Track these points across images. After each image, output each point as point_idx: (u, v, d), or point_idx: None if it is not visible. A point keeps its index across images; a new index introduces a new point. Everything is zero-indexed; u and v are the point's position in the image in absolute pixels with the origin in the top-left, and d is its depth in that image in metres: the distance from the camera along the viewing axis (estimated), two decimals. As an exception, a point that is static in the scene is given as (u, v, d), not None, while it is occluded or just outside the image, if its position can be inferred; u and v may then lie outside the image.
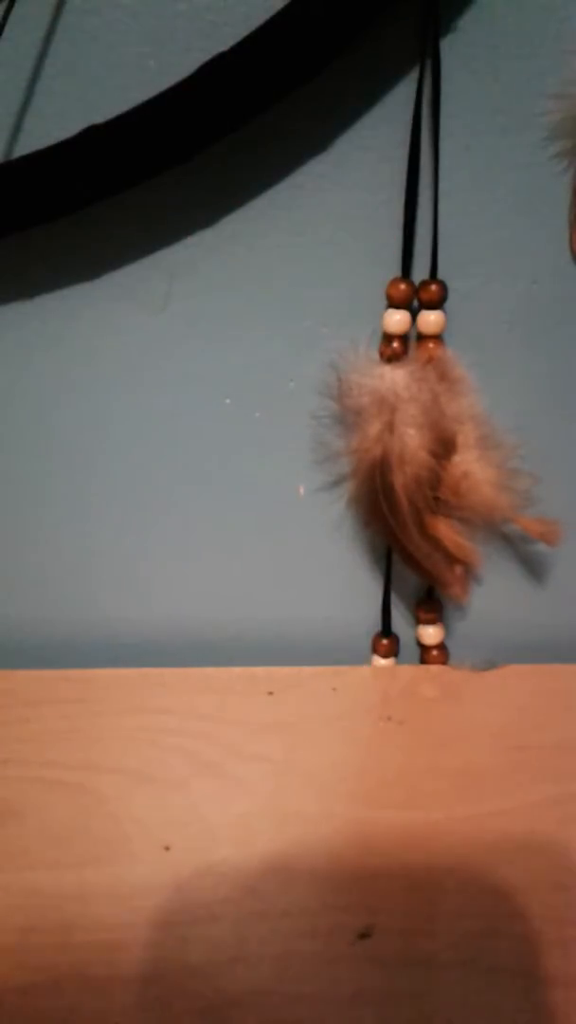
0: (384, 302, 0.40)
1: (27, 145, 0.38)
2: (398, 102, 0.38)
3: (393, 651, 0.46)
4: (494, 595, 0.45)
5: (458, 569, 0.42)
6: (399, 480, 0.39)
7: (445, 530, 0.41)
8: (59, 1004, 0.29)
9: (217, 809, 0.36)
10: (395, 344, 0.40)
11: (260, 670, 0.43)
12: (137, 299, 0.41)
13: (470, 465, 0.40)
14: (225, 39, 0.34)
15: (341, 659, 0.45)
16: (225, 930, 0.32)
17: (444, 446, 0.40)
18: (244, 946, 0.31)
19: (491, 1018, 0.29)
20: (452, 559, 0.42)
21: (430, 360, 0.40)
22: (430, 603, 0.45)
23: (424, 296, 0.39)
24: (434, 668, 0.44)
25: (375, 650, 0.46)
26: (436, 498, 0.40)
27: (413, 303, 0.40)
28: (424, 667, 0.45)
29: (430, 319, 0.39)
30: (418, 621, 0.45)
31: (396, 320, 0.39)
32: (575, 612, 0.46)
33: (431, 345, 0.40)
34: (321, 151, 0.39)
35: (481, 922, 0.32)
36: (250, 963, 0.31)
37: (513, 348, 0.42)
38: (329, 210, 0.39)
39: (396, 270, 0.40)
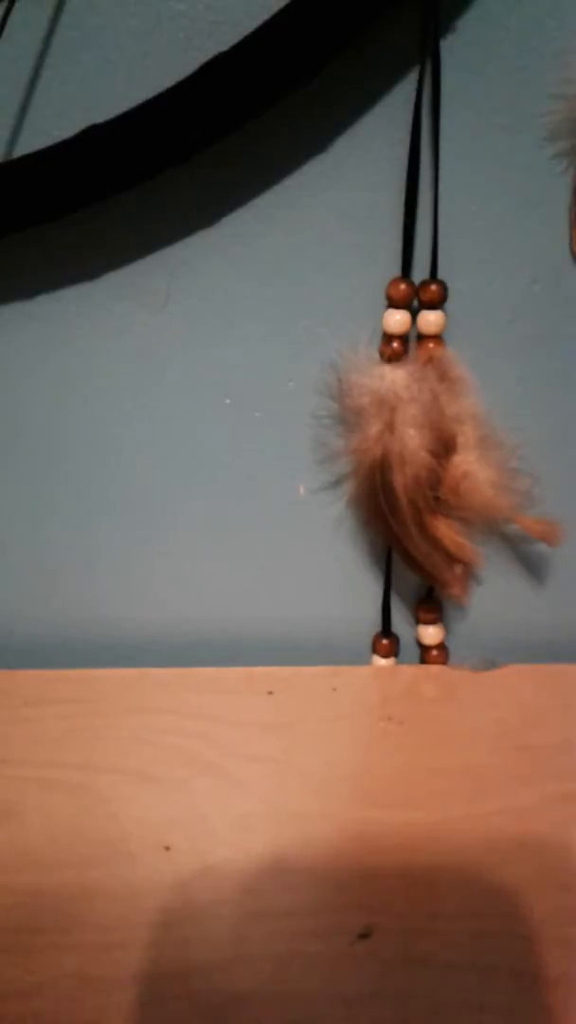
0: (384, 302, 0.40)
1: (27, 145, 0.38)
2: (398, 102, 0.38)
3: (393, 651, 0.46)
4: (494, 595, 0.45)
5: (458, 569, 0.42)
6: (399, 480, 0.39)
7: (445, 530, 0.41)
8: (59, 1004, 0.29)
9: (217, 809, 0.36)
10: (395, 344, 0.40)
11: (260, 670, 0.43)
12: (137, 299, 0.41)
13: (470, 465, 0.40)
14: (225, 39, 0.34)
15: (341, 659, 0.45)
16: (225, 930, 0.32)
17: (444, 446, 0.40)
18: (244, 946, 0.31)
19: (491, 1018, 0.29)
20: (452, 559, 0.42)
21: (430, 360, 0.40)
22: (430, 603, 0.45)
23: (424, 296, 0.39)
24: (434, 668, 0.44)
25: (375, 650, 0.46)
26: (436, 498, 0.40)
27: (413, 303, 0.40)
28: (424, 667, 0.45)
29: (430, 319, 0.39)
30: (418, 621, 0.45)
31: (396, 320, 0.39)
32: (575, 612, 0.46)
33: (431, 345, 0.40)
34: (321, 151, 0.39)
35: (481, 922, 0.32)
36: (250, 963, 0.31)
37: (513, 348, 0.42)
38: (329, 210, 0.39)
39: (396, 270, 0.40)
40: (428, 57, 0.37)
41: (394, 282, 0.39)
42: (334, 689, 0.42)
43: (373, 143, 0.38)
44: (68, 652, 0.47)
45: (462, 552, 0.41)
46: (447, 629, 0.46)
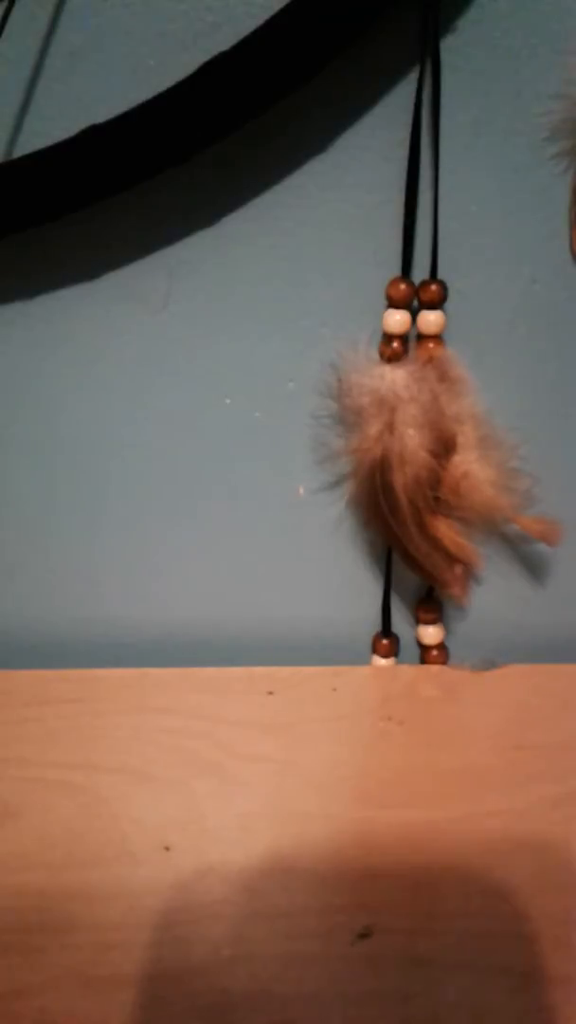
0: (384, 302, 0.40)
1: (27, 145, 0.38)
2: (398, 102, 0.38)
3: (393, 651, 0.46)
4: (494, 595, 0.45)
5: (458, 569, 0.42)
6: (399, 480, 0.39)
7: (445, 530, 0.41)
8: (59, 1004, 0.29)
9: (217, 809, 0.36)
10: (395, 344, 0.40)
11: (260, 670, 0.43)
12: (137, 299, 0.41)
13: (470, 465, 0.40)
14: (225, 39, 0.34)
15: (341, 659, 0.45)
16: (225, 930, 0.32)
17: (444, 446, 0.40)
18: (244, 946, 0.31)
19: (491, 1018, 0.29)
20: (452, 559, 0.42)
21: (430, 360, 0.40)
22: (430, 603, 0.45)
23: (424, 296, 0.39)
24: (434, 668, 0.44)
25: (375, 650, 0.46)
26: (436, 498, 0.40)
27: (413, 303, 0.40)
28: (424, 667, 0.45)
29: (430, 319, 0.39)
30: (418, 621, 0.45)
31: (396, 320, 0.39)
32: (575, 612, 0.46)
33: (431, 345, 0.40)
34: (321, 151, 0.39)
35: (481, 922, 0.32)
36: (250, 963, 0.31)
37: (513, 348, 0.42)
38: (329, 210, 0.39)
39: (396, 270, 0.40)
40: (428, 57, 0.37)
41: (394, 282, 0.39)
42: (334, 689, 0.42)
43: (373, 143, 0.38)
44: (68, 652, 0.47)
45: (462, 552, 0.41)
46: (447, 629, 0.46)
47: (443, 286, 0.39)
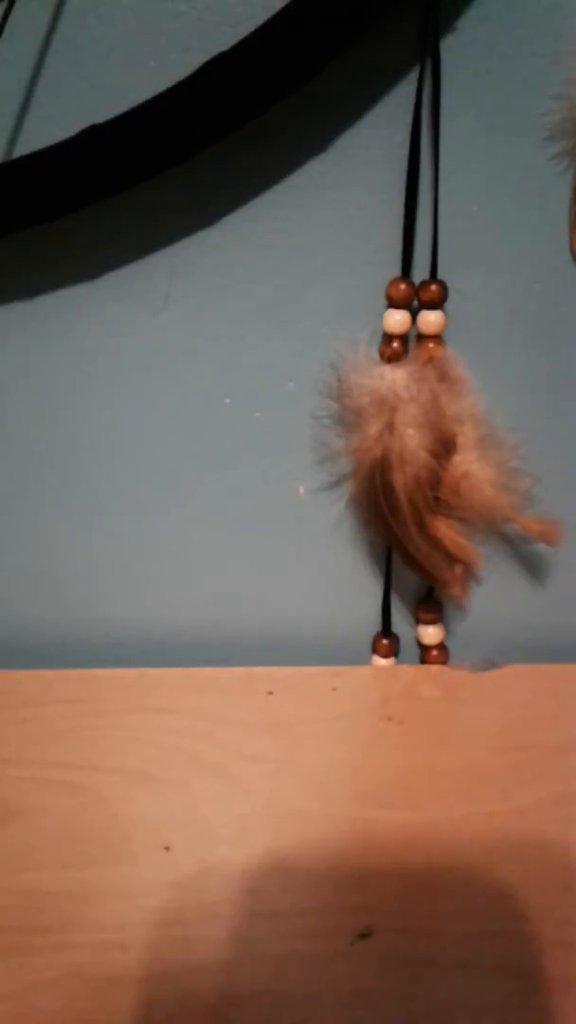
0: (384, 302, 0.40)
1: (27, 145, 0.38)
2: (398, 102, 0.38)
3: (393, 651, 0.46)
4: (494, 595, 0.45)
5: (458, 569, 0.42)
6: (399, 480, 0.39)
7: (445, 530, 0.41)
8: (59, 1004, 0.29)
9: (217, 809, 0.36)
10: (395, 344, 0.40)
11: (260, 670, 0.43)
12: (137, 299, 0.41)
13: (470, 465, 0.40)
14: (225, 39, 0.34)
15: (341, 659, 0.45)
16: (225, 930, 0.32)
17: (444, 446, 0.40)
18: (244, 946, 0.31)
19: (491, 1018, 0.29)
20: (452, 559, 0.42)
21: (430, 360, 0.40)
22: (430, 603, 0.45)
23: (424, 296, 0.39)
24: (434, 668, 0.44)
25: (375, 650, 0.46)
26: (436, 498, 0.40)
27: (413, 303, 0.40)
28: (424, 667, 0.45)
29: (430, 319, 0.39)
30: (418, 621, 0.45)
31: (396, 320, 0.39)
32: (575, 612, 0.46)
33: (431, 345, 0.40)
34: (321, 151, 0.39)
35: (481, 922, 0.32)
36: (250, 963, 0.31)
37: (513, 348, 0.42)
38: (329, 210, 0.39)
39: (396, 270, 0.40)
40: (428, 57, 0.37)
41: (394, 282, 0.39)
42: (334, 689, 0.42)
43: (373, 143, 0.38)
44: (68, 652, 0.47)
45: (462, 552, 0.41)
46: (447, 629, 0.46)
47: (443, 286, 0.39)
